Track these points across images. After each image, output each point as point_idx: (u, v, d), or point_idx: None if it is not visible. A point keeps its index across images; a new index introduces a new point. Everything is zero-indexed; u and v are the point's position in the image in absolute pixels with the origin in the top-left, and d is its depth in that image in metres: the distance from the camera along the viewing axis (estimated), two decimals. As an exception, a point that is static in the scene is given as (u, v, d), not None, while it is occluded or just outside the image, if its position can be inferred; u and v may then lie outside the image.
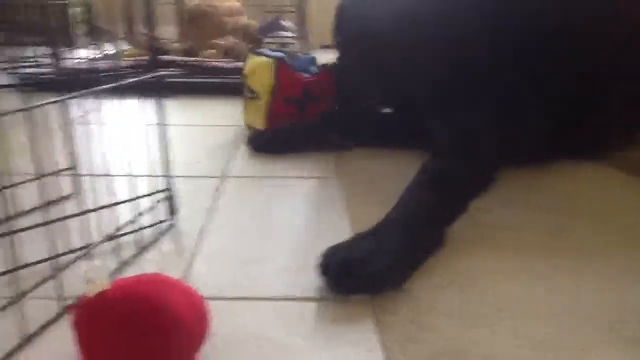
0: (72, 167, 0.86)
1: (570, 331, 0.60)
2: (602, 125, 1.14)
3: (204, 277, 0.71)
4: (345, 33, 1.32)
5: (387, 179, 1.05)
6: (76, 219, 0.73)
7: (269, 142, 1.30)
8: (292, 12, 2.33)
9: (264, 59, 1.43)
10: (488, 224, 0.87)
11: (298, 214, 0.92)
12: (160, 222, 0.84)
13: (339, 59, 1.40)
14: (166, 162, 0.83)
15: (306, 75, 1.43)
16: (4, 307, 0.54)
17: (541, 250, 0.79)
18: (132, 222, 0.77)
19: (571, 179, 1.09)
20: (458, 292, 0.68)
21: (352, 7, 1.29)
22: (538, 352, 0.56)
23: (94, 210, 0.74)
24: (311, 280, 0.70)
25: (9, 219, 0.57)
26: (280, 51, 1.52)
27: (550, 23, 1.06)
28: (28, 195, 0.86)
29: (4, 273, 0.66)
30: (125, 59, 2.18)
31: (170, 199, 0.86)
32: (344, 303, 0.66)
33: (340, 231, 0.84)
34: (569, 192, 1.02)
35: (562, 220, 0.89)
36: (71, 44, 2.39)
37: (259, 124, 1.40)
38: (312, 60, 1.56)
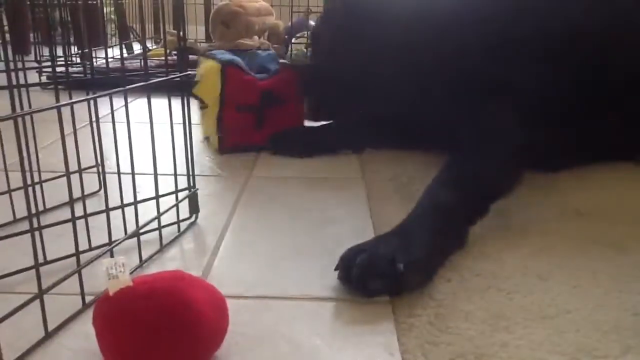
0: (99, 165, 0.87)
1: (600, 337, 0.58)
2: (632, 125, 1.10)
3: (224, 276, 0.71)
4: (335, 31, 1.25)
5: (412, 179, 1.04)
6: (100, 215, 0.74)
7: (289, 143, 1.26)
8: (320, 12, 2.32)
9: (212, 63, 1.25)
10: (513, 225, 0.86)
11: (320, 213, 0.92)
12: (183, 220, 0.85)
13: (316, 57, 1.33)
14: (190, 161, 0.84)
15: (261, 76, 1.29)
16: (27, 303, 0.55)
17: (569, 253, 0.77)
18: (155, 219, 0.77)
19: (600, 181, 1.06)
20: (480, 294, 0.67)
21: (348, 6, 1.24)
22: (566, 357, 0.55)
23: (117, 207, 0.75)
24: (331, 280, 0.70)
25: (34, 215, 0.58)
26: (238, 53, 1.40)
27: (578, 23, 1.05)
28: (55, 192, 0.88)
29: (27, 269, 0.68)
30: (154, 58, 2.21)
31: (193, 197, 0.87)
32: (363, 304, 0.65)
33: (363, 231, 0.84)
34: (599, 193, 1.00)
35: (591, 223, 0.87)
36: (100, 43, 2.43)
37: (212, 140, 1.27)
38: (273, 57, 1.43)
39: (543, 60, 1.04)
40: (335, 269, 0.69)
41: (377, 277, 0.66)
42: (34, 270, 0.55)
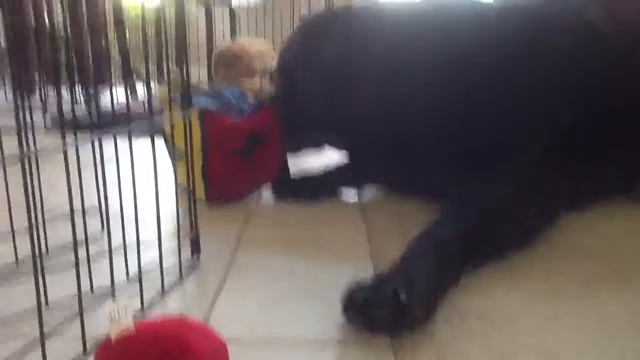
0: (102, 206, 0.87)
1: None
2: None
3: (225, 318, 0.71)
4: (303, 63, 1.24)
5: (412, 221, 1.04)
6: (103, 257, 0.74)
7: (293, 191, 1.23)
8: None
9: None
10: (518, 265, 0.85)
11: (320, 254, 0.91)
12: (185, 262, 0.84)
13: (282, 89, 1.31)
14: (193, 202, 0.84)
15: (236, 114, 1.23)
16: (28, 347, 0.54)
17: (575, 293, 0.76)
18: (157, 261, 0.77)
19: (604, 218, 1.05)
20: (483, 335, 0.66)
21: (314, 37, 1.24)
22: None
23: (119, 251, 0.75)
24: (332, 321, 0.69)
25: (37, 256, 0.57)
26: (213, 93, 1.34)
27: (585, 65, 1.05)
28: (58, 233, 0.88)
29: (28, 312, 0.67)
30: (158, 98, 2.23)
31: (195, 239, 0.86)
32: (364, 345, 0.64)
33: (363, 272, 0.83)
34: (604, 231, 0.99)
35: (598, 262, 0.86)
36: (105, 84, 2.46)
37: (199, 189, 1.10)
38: (242, 95, 1.36)
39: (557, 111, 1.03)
40: (341, 302, 0.69)
41: (380, 307, 0.65)
42: (36, 312, 0.55)
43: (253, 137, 1.18)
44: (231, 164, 1.17)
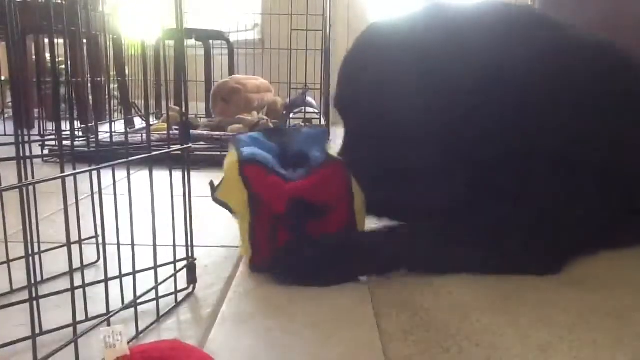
0: (98, 235, 0.88)
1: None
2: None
3: (220, 348, 0.71)
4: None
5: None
6: (98, 286, 0.74)
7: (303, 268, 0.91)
8: (317, 89, 2.41)
9: (233, 158, 0.97)
10: (511, 295, 0.86)
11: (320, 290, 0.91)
12: (180, 290, 0.84)
13: (351, 139, 1.06)
14: (189, 232, 0.85)
15: (293, 174, 0.97)
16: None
17: (568, 323, 0.77)
18: (152, 289, 0.78)
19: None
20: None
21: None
22: None
23: (116, 278, 0.76)
24: (332, 352, 0.69)
25: (33, 285, 0.58)
26: (271, 129, 1.15)
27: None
28: (54, 262, 0.88)
29: (23, 339, 0.67)
30: (156, 132, 2.26)
31: (190, 268, 0.87)
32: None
33: (363, 314, 0.84)
34: (594, 263, 1.00)
35: (589, 292, 0.87)
36: (104, 118, 2.50)
37: (245, 248, 0.97)
38: (320, 138, 1.07)
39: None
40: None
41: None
42: (30, 341, 0.55)
43: (302, 204, 0.91)
44: (279, 230, 0.92)
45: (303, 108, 2.34)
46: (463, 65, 0.94)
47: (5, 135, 2.42)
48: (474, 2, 1.07)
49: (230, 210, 0.98)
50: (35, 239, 0.78)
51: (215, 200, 0.98)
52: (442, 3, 1.05)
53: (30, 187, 0.76)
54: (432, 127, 0.96)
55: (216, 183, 1.01)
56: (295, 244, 0.91)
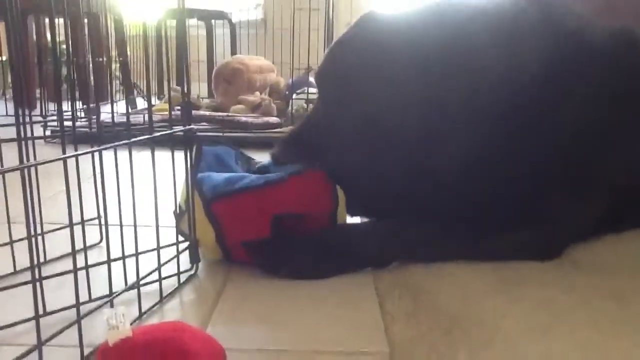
0: (101, 217, 0.88)
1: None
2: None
3: (223, 328, 0.71)
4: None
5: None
6: (101, 267, 0.74)
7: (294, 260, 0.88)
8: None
9: (197, 199, 0.87)
10: (512, 278, 0.86)
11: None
12: (183, 271, 0.85)
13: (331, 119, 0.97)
14: (192, 213, 0.85)
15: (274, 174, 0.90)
16: (26, 354, 0.55)
17: (569, 305, 0.77)
18: (155, 271, 0.78)
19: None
20: (483, 346, 0.66)
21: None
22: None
23: (119, 259, 0.76)
24: (334, 333, 0.69)
25: (36, 266, 0.58)
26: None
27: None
28: (55, 244, 0.88)
29: (27, 320, 0.67)
30: (157, 113, 2.25)
31: (193, 248, 0.87)
32: (362, 356, 0.64)
33: (365, 296, 0.84)
34: (595, 245, 0.99)
35: (589, 274, 0.87)
36: (105, 99, 2.49)
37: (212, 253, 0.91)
38: (239, 155, 1.06)
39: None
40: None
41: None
42: (34, 322, 0.55)
43: (285, 218, 0.88)
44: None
45: (306, 88, 2.32)
46: (459, 68, 0.89)
47: (6, 115, 2.42)
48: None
49: (186, 238, 0.88)
50: (37, 220, 0.78)
51: (180, 231, 0.89)
52: (444, 2, 0.99)
53: (32, 168, 0.76)
54: (415, 123, 0.91)
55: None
56: (284, 240, 0.88)
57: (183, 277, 0.84)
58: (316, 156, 0.92)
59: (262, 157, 1.10)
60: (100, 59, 2.10)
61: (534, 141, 0.94)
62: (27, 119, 0.89)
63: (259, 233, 0.86)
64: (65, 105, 1.71)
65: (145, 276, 0.76)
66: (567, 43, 0.96)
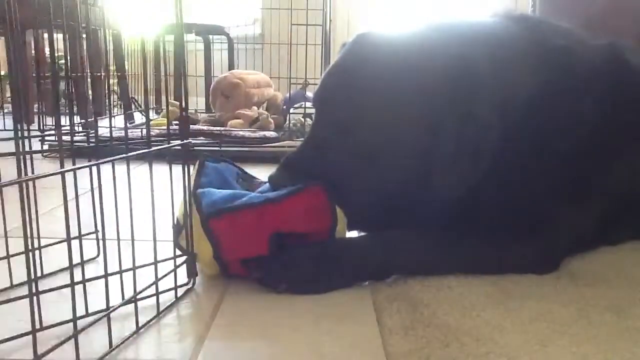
0: (98, 231, 0.88)
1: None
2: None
3: (220, 342, 0.71)
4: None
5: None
6: (98, 281, 0.74)
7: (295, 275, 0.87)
8: (317, 84, 2.40)
9: (195, 214, 0.86)
10: (511, 290, 0.86)
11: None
12: (180, 285, 0.84)
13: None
14: (189, 227, 0.85)
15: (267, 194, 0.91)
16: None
17: (568, 318, 0.77)
18: (152, 285, 0.77)
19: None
20: (480, 359, 0.66)
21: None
22: None
23: (116, 273, 0.76)
24: (332, 347, 0.69)
25: (33, 280, 0.58)
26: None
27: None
28: (52, 258, 0.88)
29: (23, 334, 0.67)
30: (155, 127, 2.25)
31: (190, 262, 0.87)
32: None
33: (363, 310, 0.84)
34: (592, 258, 1.00)
35: (588, 287, 0.87)
36: (103, 113, 2.50)
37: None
38: (231, 172, 1.05)
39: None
40: None
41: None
42: (30, 336, 0.55)
43: (284, 235, 0.88)
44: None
45: (303, 103, 2.33)
46: (457, 91, 0.89)
47: (5, 130, 2.42)
48: (479, 22, 1.04)
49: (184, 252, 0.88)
50: (35, 234, 0.78)
51: (178, 246, 0.89)
52: (441, 23, 1.01)
53: (30, 183, 0.76)
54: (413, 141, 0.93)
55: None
56: (283, 255, 0.87)
57: (180, 292, 0.84)
58: (314, 179, 0.91)
59: (259, 171, 1.11)
60: (99, 74, 2.11)
61: (532, 156, 0.95)
62: (26, 134, 0.89)
63: (257, 250, 0.85)
64: (64, 120, 1.71)
65: (142, 290, 0.76)
66: (558, 61, 0.98)
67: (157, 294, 0.78)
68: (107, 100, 0.85)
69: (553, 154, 0.95)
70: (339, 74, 0.99)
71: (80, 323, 0.64)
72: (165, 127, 0.84)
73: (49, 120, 2.20)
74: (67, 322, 0.69)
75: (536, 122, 0.95)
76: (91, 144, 0.86)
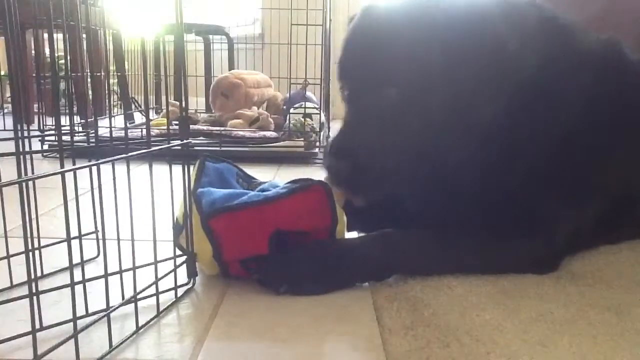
0: (98, 231, 0.88)
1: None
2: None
3: (220, 342, 0.71)
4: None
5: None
6: (98, 281, 0.74)
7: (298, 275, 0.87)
8: (317, 84, 2.40)
9: (195, 213, 0.86)
10: (510, 290, 0.86)
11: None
12: (181, 285, 0.84)
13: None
14: (189, 227, 0.85)
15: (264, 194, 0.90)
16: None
17: (568, 318, 0.77)
18: (152, 285, 0.77)
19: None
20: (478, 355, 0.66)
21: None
22: None
23: (116, 273, 0.76)
24: (331, 346, 0.69)
25: (33, 280, 0.58)
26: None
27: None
28: (52, 258, 0.88)
29: (23, 335, 0.67)
30: (155, 127, 2.25)
31: (190, 263, 0.87)
32: None
33: (363, 310, 0.84)
34: (593, 258, 1.00)
35: (588, 287, 0.87)
36: (103, 113, 2.50)
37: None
38: (231, 172, 1.04)
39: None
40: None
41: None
42: (30, 336, 0.55)
43: (285, 233, 0.87)
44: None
45: (303, 103, 2.33)
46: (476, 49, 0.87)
47: (4, 130, 2.42)
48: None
49: (184, 252, 0.88)
50: (35, 234, 0.78)
51: (178, 246, 0.89)
52: None
53: (30, 183, 0.76)
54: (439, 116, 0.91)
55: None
56: (283, 255, 0.87)
57: (180, 292, 0.84)
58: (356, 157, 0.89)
59: (259, 171, 1.11)
60: (99, 74, 2.11)
61: (532, 141, 0.95)
62: (26, 134, 0.89)
63: (257, 250, 0.85)
64: (64, 120, 1.71)
65: (142, 290, 0.76)
66: (563, 43, 0.97)
67: (157, 294, 0.78)
68: (107, 100, 0.85)
69: (554, 138, 0.95)
70: (364, 35, 0.95)
71: (80, 323, 0.64)
72: (165, 127, 0.84)
73: (49, 120, 2.20)
74: (67, 322, 0.69)
75: (538, 99, 0.94)
76: (91, 144, 0.86)
